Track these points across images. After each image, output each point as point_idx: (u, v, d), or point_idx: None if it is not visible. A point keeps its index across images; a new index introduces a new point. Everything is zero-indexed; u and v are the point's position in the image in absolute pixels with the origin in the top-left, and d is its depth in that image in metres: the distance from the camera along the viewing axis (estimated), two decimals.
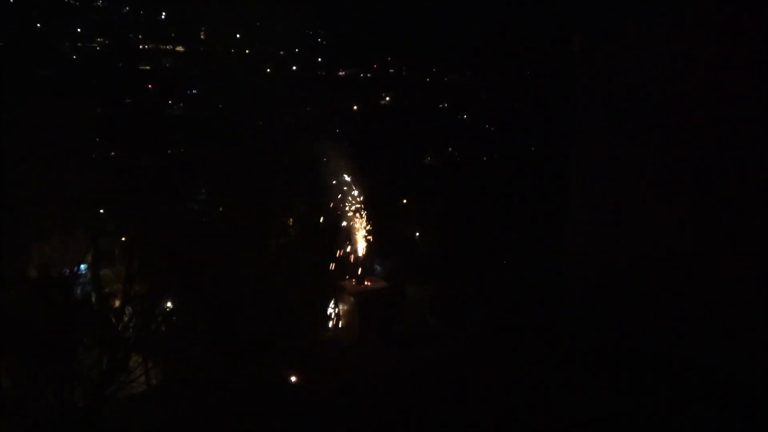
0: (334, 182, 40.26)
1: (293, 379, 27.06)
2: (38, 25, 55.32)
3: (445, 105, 64.61)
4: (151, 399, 24.22)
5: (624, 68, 29.10)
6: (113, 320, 25.75)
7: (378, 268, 40.55)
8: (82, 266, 34.68)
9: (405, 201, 50.64)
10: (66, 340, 22.90)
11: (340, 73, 65.02)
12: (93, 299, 31.11)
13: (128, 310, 26.26)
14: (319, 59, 64.66)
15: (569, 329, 29.01)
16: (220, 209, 43.69)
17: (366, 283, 36.58)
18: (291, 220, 42.20)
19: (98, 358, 23.06)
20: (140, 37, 59.49)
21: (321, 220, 40.25)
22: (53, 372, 21.61)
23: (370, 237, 38.04)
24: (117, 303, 27.22)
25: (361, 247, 37.79)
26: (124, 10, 59.81)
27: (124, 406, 23.30)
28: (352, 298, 34.94)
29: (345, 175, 40.07)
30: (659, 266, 27.92)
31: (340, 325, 35.24)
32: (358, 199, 39.29)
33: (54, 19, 56.00)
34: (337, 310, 35.46)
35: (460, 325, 32.88)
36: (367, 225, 38.23)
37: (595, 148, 30.59)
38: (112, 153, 51.46)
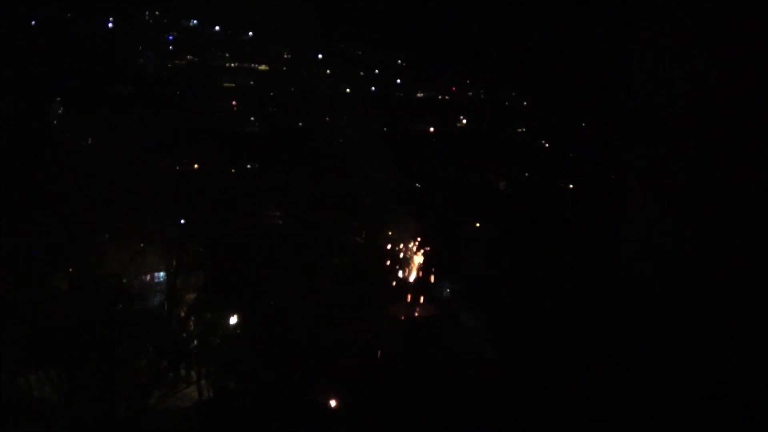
0: (399, 205, 40.38)
1: (332, 403, 27.13)
2: (131, 42, 58.38)
3: (523, 129, 63.96)
4: (199, 412, 24.69)
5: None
6: (177, 329, 26.50)
7: (438, 291, 40.22)
8: (161, 274, 36.04)
9: (477, 225, 50.19)
10: (126, 347, 23.68)
11: (419, 95, 65.39)
12: (165, 307, 32.18)
13: (192, 320, 26.96)
14: (398, 81, 65.25)
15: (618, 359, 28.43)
16: (289, 226, 44.56)
17: (416, 308, 36.35)
18: (355, 239, 42.52)
19: (150, 366, 23.71)
20: (227, 55, 61.73)
21: (385, 244, 40.36)
22: (103, 379, 22.35)
23: (428, 261, 37.84)
24: (182, 312, 27.96)
25: (418, 271, 37.66)
26: (214, 30, 62.26)
27: (171, 417, 23.83)
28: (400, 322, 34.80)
29: (410, 199, 40.11)
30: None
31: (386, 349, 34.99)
32: (421, 223, 39.26)
33: (149, 40, 58.90)
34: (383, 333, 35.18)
35: (511, 353, 32.22)
36: (427, 248, 38.06)
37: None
38: (195, 166, 53.45)
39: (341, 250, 39.26)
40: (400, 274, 38.00)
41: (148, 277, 35.59)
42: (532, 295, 37.13)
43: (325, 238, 37.86)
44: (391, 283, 37.19)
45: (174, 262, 36.24)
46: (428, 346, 33.47)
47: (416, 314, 35.69)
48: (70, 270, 32.98)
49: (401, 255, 38.54)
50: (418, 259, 37.97)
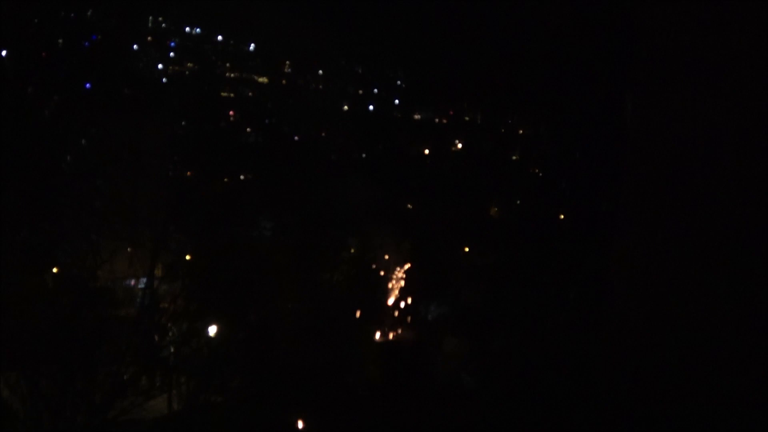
0: (388, 225, 40.38)
1: (300, 425, 26.89)
2: (134, 47, 58.48)
3: (518, 157, 64.22)
4: (166, 424, 24.36)
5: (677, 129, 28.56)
6: (155, 336, 26.25)
7: (419, 316, 40.14)
8: (144, 279, 35.80)
9: (466, 250, 50.21)
10: (95, 351, 23.36)
11: (416, 117, 65.70)
12: (146, 314, 31.89)
13: (172, 328, 26.74)
14: (396, 101, 65.58)
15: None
16: (281, 239, 44.43)
17: (395, 333, 36.26)
18: (345, 255, 42.49)
19: (119, 373, 23.38)
20: (227, 65, 61.98)
21: (371, 263, 40.34)
22: (65, 384, 21.97)
23: (414, 283, 37.82)
24: (162, 319, 27.73)
25: (402, 295, 37.64)
26: (217, 39, 62.54)
27: (135, 429, 23.52)
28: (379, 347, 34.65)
29: (401, 220, 40.14)
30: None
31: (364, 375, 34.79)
32: (408, 245, 39.27)
33: (149, 44, 59.02)
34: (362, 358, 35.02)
35: (493, 384, 32.04)
36: (411, 273, 38.04)
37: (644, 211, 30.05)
38: (189, 173, 53.35)
39: (328, 267, 39.25)
40: (385, 295, 37.91)
41: (133, 282, 35.39)
42: (518, 326, 37.05)
43: (314, 255, 37.79)
44: (376, 304, 37.10)
45: (157, 269, 36.09)
46: (408, 373, 33.32)
47: (397, 338, 35.60)
48: (52, 270, 32.76)
49: (388, 275, 38.48)
50: (401, 280, 37.91)
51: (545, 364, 32.58)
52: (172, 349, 25.87)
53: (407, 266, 38.94)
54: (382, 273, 38.06)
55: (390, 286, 37.90)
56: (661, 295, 29.34)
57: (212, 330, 28.49)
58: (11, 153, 40.48)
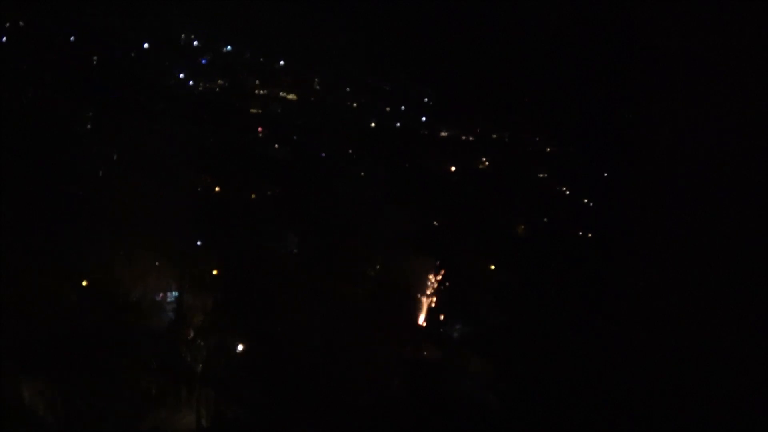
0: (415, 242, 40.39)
1: None
2: (166, 63, 59.56)
3: (545, 175, 63.92)
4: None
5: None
6: (183, 350, 26.57)
7: (447, 332, 39.93)
8: (174, 293, 36.23)
9: (493, 267, 49.92)
10: (127, 363, 23.73)
11: (443, 134, 65.71)
12: (173, 327, 32.26)
13: (200, 342, 27.06)
14: (423, 118, 65.71)
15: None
16: (307, 254, 44.70)
17: (424, 351, 36.06)
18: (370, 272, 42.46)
19: (150, 386, 23.66)
20: (257, 82, 62.65)
21: (397, 280, 40.24)
22: (98, 395, 22.27)
23: (440, 300, 37.72)
24: (191, 334, 28.09)
25: (427, 311, 37.51)
26: (246, 56, 63.31)
27: None
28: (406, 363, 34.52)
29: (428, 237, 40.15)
30: None
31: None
32: (436, 261, 39.18)
33: (182, 62, 60.05)
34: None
35: (519, 406, 31.75)
36: (439, 288, 37.94)
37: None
38: (217, 188, 54.03)
39: (354, 284, 39.28)
40: (411, 312, 37.84)
41: (161, 295, 35.84)
42: (542, 346, 36.69)
43: (340, 272, 37.96)
44: (401, 321, 37.03)
45: (185, 283, 36.53)
46: (430, 391, 33.11)
47: (422, 355, 35.43)
48: (82, 281, 33.29)
49: (413, 292, 38.43)
50: (429, 297, 37.82)
51: (567, 383, 32.32)
52: (200, 364, 26.13)
53: (433, 283, 38.87)
54: (411, 290, 38.05)
55: (417, 302, 37.85)
56: (682, 313, 29.23)
57: (240, 346, 28.75)
58: (48, 165, 41.34)
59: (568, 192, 63.13)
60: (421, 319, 37.30)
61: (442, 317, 37.85)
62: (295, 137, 59.72)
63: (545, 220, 60.19)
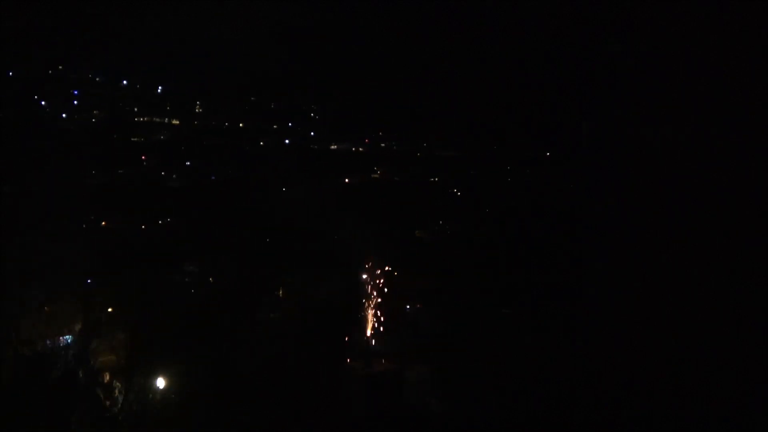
0: (328, 254, 40.30)
1: None
2: (35, 97, 56.24)
3: (436, 179, 65.64)
4: None
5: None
6: (101, 396, 25.12)
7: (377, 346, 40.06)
8: (68, 337, 34.07)
9: (396, 274, 50.53)
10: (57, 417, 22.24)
11: (332, 147, 66.06)
12: (80, 373, 30.39)
13: (116, 384, 25.69)
14: (312, 133, 65.80)
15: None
16: (211, 280, 43.53)
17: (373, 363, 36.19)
18: (283, 292, 41.90)
19: None
20: (136, 110, 60.45)
21: (320, 294, 39.91)
22: None
23: (371, 314, 37.89)
24: (107, 377, 26.63)
25: (366, 325, 37.63)
26: (122, 84, 60.88)
27: None
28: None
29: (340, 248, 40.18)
30: None
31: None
32: (356, 273, 39.26)
33: (53, 94, 56.92)
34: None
35: (461, 407, 32.34)
36: (367, 301, 38.11)
37: None
38: (103, 223, 51.55)
39: (272, 305, 38.66)
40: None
41: (52, 342, 33.60)
42: (474, 347, 37.46)
43: (252, 292, 37.22)
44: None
45: (82, 325, 34.50)
46: (384, 402, 33.12)
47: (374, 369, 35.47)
48: None
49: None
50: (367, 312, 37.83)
51: (507, 382, 33.18)
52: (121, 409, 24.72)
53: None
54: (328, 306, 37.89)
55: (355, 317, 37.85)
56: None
57: (160, 383, 27.48)
58: None
59: (459, 193, 65.10)
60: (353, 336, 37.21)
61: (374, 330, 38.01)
62: (182, 162, 58.12)
63: (440, 222, 61.71)
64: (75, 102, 58.03)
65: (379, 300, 40.36)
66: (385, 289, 43.22)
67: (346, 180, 62.14)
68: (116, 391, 25.52)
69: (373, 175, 64.60)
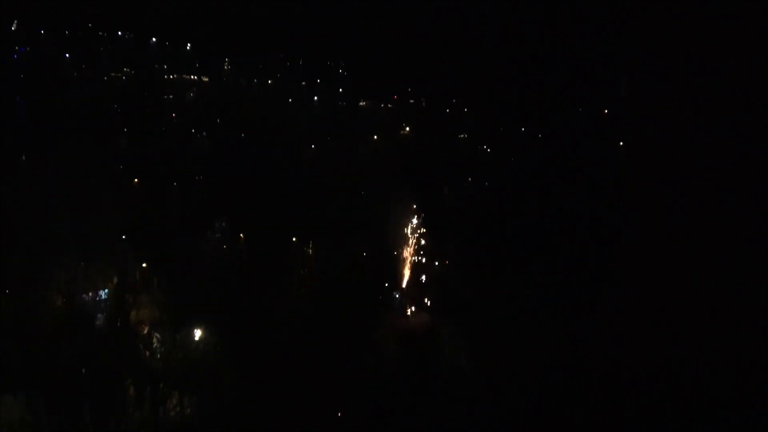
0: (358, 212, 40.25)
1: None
2: (66, 55, 56.44)
3: (465, 136, 65.03)
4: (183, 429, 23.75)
5: None
6: (142, 348, 25.65)
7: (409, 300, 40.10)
8: (103, 292, 34.74)
9: (424, 231, 50.39)
10: (98, 367, 22.78)
11: (361, 104, 65.60)
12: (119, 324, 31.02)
13: (156, 337, 26.19)
14: (340, 90, 65.29)
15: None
16: (242, 237, 43.87)
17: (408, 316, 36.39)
18: (313, 249, 41.97)
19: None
20: (165, 67, 60.39)
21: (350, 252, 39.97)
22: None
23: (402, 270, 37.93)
24: (146, 329, 27.16)
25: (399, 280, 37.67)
26: (151, 41, 60.79)
27: None
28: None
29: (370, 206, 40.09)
30: None
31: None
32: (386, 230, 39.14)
33: (81, 50, 57.05)
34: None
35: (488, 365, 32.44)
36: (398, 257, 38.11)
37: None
38: (135, 180, 52.03)
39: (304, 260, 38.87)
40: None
41: (90, 295, 34.27)
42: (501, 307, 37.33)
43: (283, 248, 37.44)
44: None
45: (117, 280, 35.10)
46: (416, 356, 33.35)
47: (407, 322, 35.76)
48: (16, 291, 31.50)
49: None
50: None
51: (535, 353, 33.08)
52: (159, 356, 25.22)
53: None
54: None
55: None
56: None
57: (197, 334, 27.95)
58: None
59: (489, 150, 64.42)
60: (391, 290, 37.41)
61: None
62: (212, 120, 58.14)
63: (469, 179, 61.23)
64: (103, 60, 58.23)
65: (410, 257, 40.33)
66: (416, 246, 43.21)
67: (375, 137, 61.74)
68: (155, 342, 25.98)
69: (401, 132, 64.17)
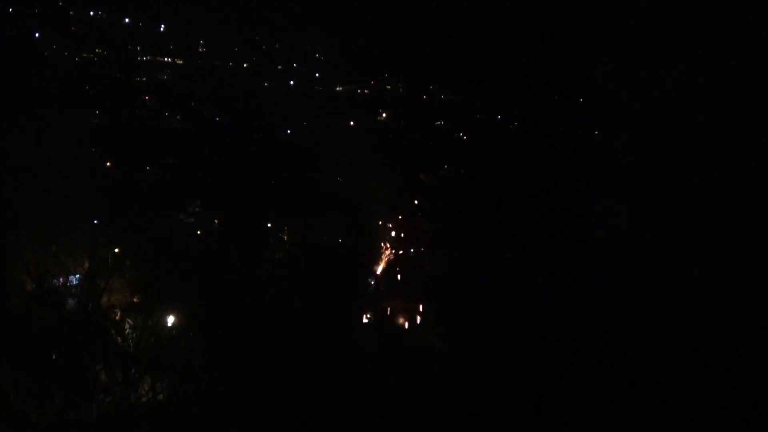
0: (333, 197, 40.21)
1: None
2: (36, 35, 55.24)
3: (442, 123, 65.02)
4: (156, 413, 23.60)
5: None
6: (114, 332, 25.39)
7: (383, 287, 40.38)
8: (74, 277, 34.31)
9: (400, 218, 50.54)
10: (69, 351, 22.52)
11: (338, 89, 65.20)
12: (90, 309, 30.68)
13: (128, 322, 25.94)
14: (317, 74, 64.89)
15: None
16: (216, 221, 43.65)
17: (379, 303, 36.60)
18: (288, 234, 41.98)
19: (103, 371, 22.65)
20: (139, 48, 59.41)
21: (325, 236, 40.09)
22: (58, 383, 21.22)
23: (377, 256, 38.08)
24: (118, 314, 26.87)
25: (373, 266, 37.84)
26: (124, 22, 59.69)
27: (129, 419, 22.79)
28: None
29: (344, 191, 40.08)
30: None
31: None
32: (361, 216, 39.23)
33: (52, 30, 55.83)
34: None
35: (462, 347, 32.79)
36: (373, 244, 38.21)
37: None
38: (108, 164, 51.34)
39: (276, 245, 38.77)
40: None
41: (61, 280, 33.86)
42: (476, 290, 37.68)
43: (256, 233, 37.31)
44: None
45: (89, 264, 34.66)
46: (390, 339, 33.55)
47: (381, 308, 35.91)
48: None
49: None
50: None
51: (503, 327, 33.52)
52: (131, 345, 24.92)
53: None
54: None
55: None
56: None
57: (170, 319, 27.73)
58: None
59: (465, 137, 64.60)
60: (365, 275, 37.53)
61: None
62: (186, 103, 57.39)
63: (445, 166, 61.46)
64: (76, 40, 57.06)
65: (385, 243, 40.48)
66: (392, 233, 43.38)
67: (351, 123, 61.49)
68: (127, 328, 25.72)
69: (378, 118, 63.98)
